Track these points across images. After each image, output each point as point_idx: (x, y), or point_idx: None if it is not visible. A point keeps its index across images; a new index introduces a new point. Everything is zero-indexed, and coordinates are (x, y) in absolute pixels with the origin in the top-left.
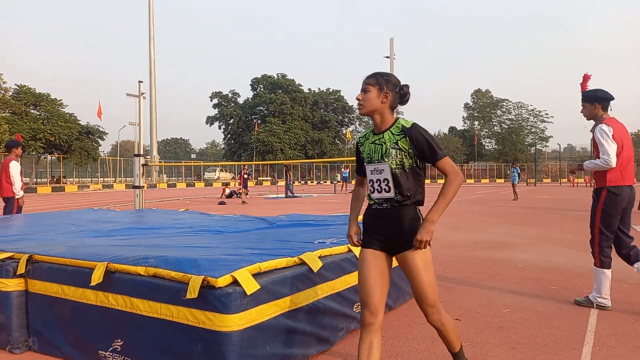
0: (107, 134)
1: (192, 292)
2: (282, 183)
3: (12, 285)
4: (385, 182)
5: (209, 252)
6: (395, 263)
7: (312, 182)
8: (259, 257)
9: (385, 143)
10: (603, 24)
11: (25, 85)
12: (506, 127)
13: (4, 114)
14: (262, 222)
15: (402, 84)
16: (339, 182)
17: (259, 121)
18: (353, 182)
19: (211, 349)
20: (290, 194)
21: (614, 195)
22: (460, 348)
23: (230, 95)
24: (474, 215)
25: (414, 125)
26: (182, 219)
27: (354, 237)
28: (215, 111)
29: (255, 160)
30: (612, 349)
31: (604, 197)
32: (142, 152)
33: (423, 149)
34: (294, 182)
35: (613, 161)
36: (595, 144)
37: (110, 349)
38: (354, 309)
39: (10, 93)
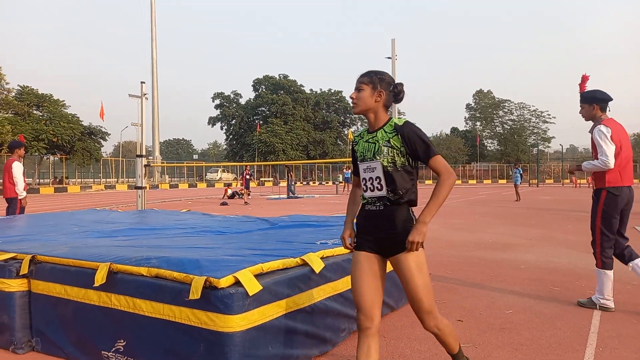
0: (110, 134)
1: (195, 293)
2: (284, 184)
3: (15, 285)
4: (377, 180)
5: (211, 253)
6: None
7: (314, 183)
8: (261, 257)
9: (378, 141)
10: (603, 24)
11: (28, 86)
12: (508, 127)
13: (6, 115)
14: (264, 223)
15: (396, 82)
16: (340, 182)
17: (261, 122)
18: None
19: (213, 349)
20: (292, 195)
21: (614, 196)
22: (459, 349)
23: (232, 96)
24: (476, 216)
25: (407, 122)
26: (184, 219)
27: (347, 239)
28: (218, 112)
29: (257, 161)
30: (615, 350)
31: (604, 198)
32: (144, 153)
33: (415, 146)
34: (295, 183)
35: (611, 162)
36: (593, 145)
37: (113, 349)
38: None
39: (13, 94)
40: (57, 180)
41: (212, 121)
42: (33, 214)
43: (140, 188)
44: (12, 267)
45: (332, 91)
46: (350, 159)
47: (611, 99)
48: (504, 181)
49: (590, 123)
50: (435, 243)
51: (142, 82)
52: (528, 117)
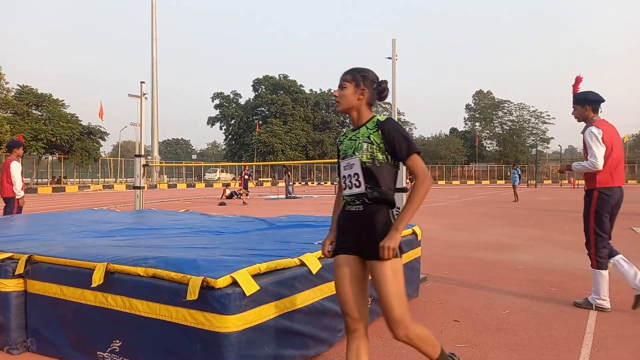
0: (109, 134)
1: (192, 294)
2: (282, 184)
3: (11, 285)
4: (356, 176)
5: (209, 253)
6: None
7: (312, 183)
8: (258, 258)
9: (359, 138)
10: (603, 24)
11: (27, 86)
12: (507, 128)
13: (5, 114)
14: (262, 223)
15: (380, 79)
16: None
17: (260, 122)
18: None
19: (210, 349)
20: (290, 195)
21: (605, 196)
22: (440, 353)
23: (231, 96)
24: (474, 216)
25: (389, 119)
26: (182, 219)
27: (327, 246)
28: (217, 112)
29: (256, 161)
30: (612, 350)
31: (596, 199)
32: (143, 153)
33: (394, 142)
34: (293, 183)
35: (600, 164)
36: (585, 145)
37: (109, 349)
38: None
39: (13, 93)
40: (56, 180)
41: (212, 121)
42: (31, 214)
43: (139, 188)
44: (9, 266)
45: (332, 91)
46: None
47: (603, 100)
48: (503, 182)
49: (583, 124)
50: (433, 243)
51: (141, 82)
52: (527, 117)
